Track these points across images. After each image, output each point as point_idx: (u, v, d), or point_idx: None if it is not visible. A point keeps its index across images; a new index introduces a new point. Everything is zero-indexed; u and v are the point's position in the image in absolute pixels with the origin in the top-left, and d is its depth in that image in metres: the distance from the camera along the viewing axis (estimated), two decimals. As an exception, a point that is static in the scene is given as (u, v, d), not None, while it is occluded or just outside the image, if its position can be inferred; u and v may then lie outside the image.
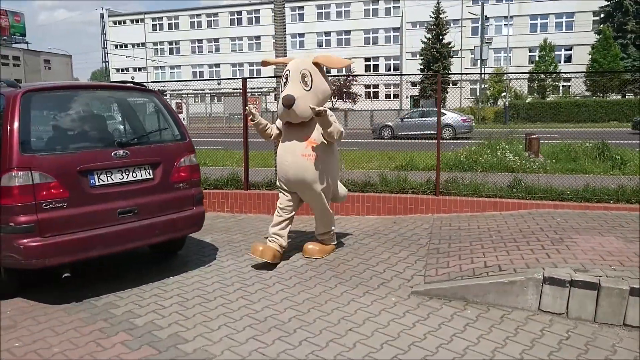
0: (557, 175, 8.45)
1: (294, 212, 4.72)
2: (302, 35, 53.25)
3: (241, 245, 5.26)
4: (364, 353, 2.98)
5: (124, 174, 3.90)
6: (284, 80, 4.39)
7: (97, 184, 3.75)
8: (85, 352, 3.00)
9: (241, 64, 56.17)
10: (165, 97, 4.69)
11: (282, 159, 4.50)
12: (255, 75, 53.96)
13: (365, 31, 52.38)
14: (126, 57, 55.13)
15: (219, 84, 39.60)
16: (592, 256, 3.99)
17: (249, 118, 4.52)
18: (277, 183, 4.67)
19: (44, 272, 3.91)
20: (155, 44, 59.08)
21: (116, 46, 57.04)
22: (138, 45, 58.30)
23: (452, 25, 46.76)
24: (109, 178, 3.82)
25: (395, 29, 51.44)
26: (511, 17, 46.59)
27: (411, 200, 6.36)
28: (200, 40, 57.92)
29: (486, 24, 42.88)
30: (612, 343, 3.18)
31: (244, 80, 6.94)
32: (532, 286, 3.59)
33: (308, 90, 4.30)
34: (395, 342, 3.12)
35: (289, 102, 4.20)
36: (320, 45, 52.99)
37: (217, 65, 57.14)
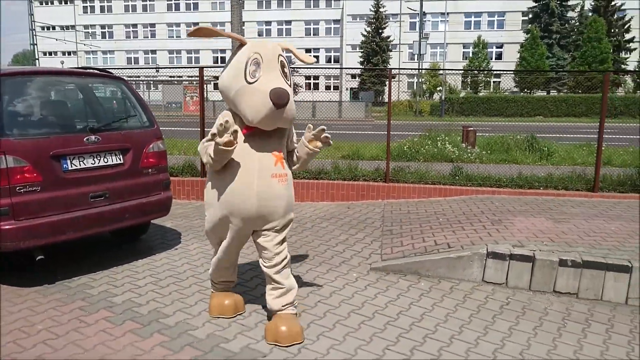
0: (492, 164, 9.13)
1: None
2: (242, 23, 52.72)
3: (203, 230, 5.41)
4: (334, 321, 3.31)
5: (95, 159, 3.99)
6: (252, 68, 2.88)
7: (69, 168, 3.82)
8: (70, 327, 3.12)
9: (179, 51, 54.85)
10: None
11: (241, 183, 2.93)
12: (193, 63, 52.95)
13: (306, 22, 52.64)
14: (56, 39, 52.32)
15: (157, 71, 38.59)
16: (527, 234, 4.51)
17: (224, 137, 2.73)
18: (219, 223, 3.08)
19: (15, 256, 3.93)
20: (86, 27, 56.44)
21: (43, 28, 53.95)
22: (67, 27, 55.45)
23: (391, 19, 47.92)
24: (81, 163, 3.90)
25: (336, 21, 52.06)
26: (447, 14, 48.31)
27: (363, 187, 6.75)
28: (135, 25, 55.95)
29: (424, 20, 44.31)
30: (544, 307, 3.68)
31: (201, 69, 7.02)
32: (477, 260, 4.05)
33: (290, 87, 2.99)
34: (360, 311, 3.47)
35: (283, 99, 2.81)
36: (260, 34, 52.68)
37: (154, 52, 55.48)
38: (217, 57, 52.67)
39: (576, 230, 4.70)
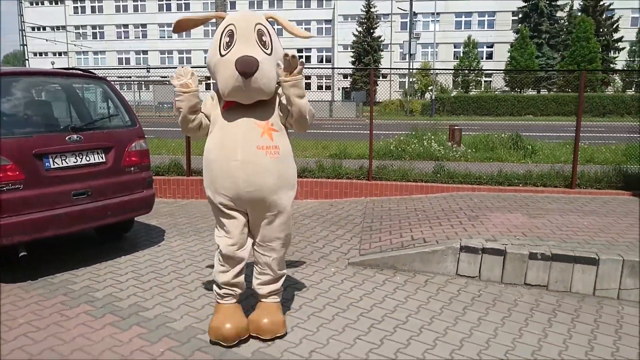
0: (477, 162, 9.28)
1: (250, 242, 3.04)
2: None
3: (187, 228, 5.52)
4: (309, 313, 3.41)
5: (77, 158, 4.07)
6: (226, 40, 2.78)
7: (52, 167, 3.90)
8: (50, 321, 3.21)
9: (170, 52, 54.79)
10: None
11: (223, 158, 2.81)
12: (185, 64, 52.91)
13: (298, 22, 52.64)
14: (46, 40, 52.07)
15: (148, 71, 38.54)
16: (501, 229, 4.64)
17: (176, 80, 2.80)
18: (213, 199, 2.90)
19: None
20: (77, 27, 56.24)
21: (33, 28, 53.68)
22: (58, 28, 55.22)
23: (382, 19, 48.13)
24: (63, 161, 3.98)
25: (327, 21, 52.21)
26: (438, 14, 48.51)
27: (346, 185, 6.86)
28: (126, 25, 55.81)
29: (414, 20, 44.52)
30: (514, 298, 3.81)
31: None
32: (451, 254, 4.17)
33: (269, 55, 2.81)
34: (335, 304, 3.58)
35: (250, 67, 2.67)
36: (252, 34, 52.66)
37: (145, 52, 55.37)
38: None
39: (549, 225, 4.83)
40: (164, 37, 54.86)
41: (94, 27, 56.34)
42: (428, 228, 4.82)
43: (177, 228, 5.51)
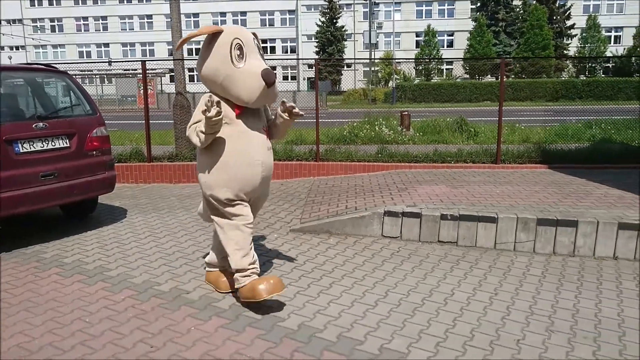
0: (424, 145, 10.05)
1: None
2: (196, 15, 52.46)
3: (148, 207, 6.06)
4: (250, 268, 4.04)
5: (44, 143, 4.57)
6: (237, 53, 3.13)
7: (21, 151, 4.40)
8: (26, 281, 3.74)
9: (132, 44, 54.19)
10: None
11: (250, 160, 3.22)
12: (148, 57, 52.42)
13: (261, 13, 52.85)
14: (3, 34, 50.77)
15: (110, 64, 38.28)
16: (424, 198, 5.35)
17: (212, 110, 2.93)
18: (229, 196, 3.24)
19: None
20: (34, 20, 54.96)
21: (-12, 22, 52.31)
22: (14, 21, 53.88)
23: (344, 9, 48.73)
24: (31, 146, 4.48)
25: (291, 12, 52.48)
26: (399, 3, 49.51)
27: (296, 166, 7.49)
28: (86, 18, 54.84)
29: (376, 9, 45.29)
30: (428, 252, 4.51)
31: (143, 63, 7.58)
32: (376, 219, 4.85)
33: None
34: (274, 260, 4.22)
35: (273, 79, 3.15)
36: (216, 24, 52.50)
37: (106, 45, 54.59)
38: (172, 49, 52.28)
39: (467, 193, 5.57)
40: (126, 30, 54.18)
41: (52, 20, 55.19)
42: (362, 199, 5.50)
43: (139, 208, 6.05)
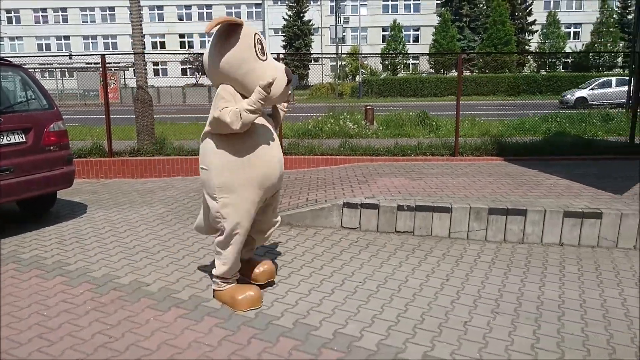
0: (386, 138, 10.23)
1: None
2: (160, 7, 51.52)
3: (109, 202, 6.03)
4: (210, 259, 4.10)
5: (-1, 138, 4.52)
6: (259, 47, 3.09)
7: (-25, 146, 4.33)
8: (-18, 277, 3.72)
9: (94, 37, 52.80)
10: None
11: (269, 156, 3.18)
12: (111, 50, 51.24)
13: (227, 5, 52.23)
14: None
15: (70, 58, 37.25)
16: (383, 190, 5.50)
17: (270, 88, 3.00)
18: (255, 198, 3.16)
19: None
20: (-11, 11, 52.94)
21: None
22: (-33, 13, 51.79)
23: (311, 3, 48.68)
24: (-15, 141, 4.41)
25: (257, 5, 52.08)
26: (366, -3, 49.76)
27: (259, 160, 7.54)
28: (44, 9, 53.04)
29: (343, 4, 45.46)
30: (385, 242, 4.66)
31: (103, 56, 7.49)
32: (336, 210, 4.97)
33: None
34: (234, 252, 4.28)
35: (292, 77, 3.22)
36: (180, 18, 51.78)
37: (67, 38, 53.01)
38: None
39: (424, 185, 5.75)
40: (87, 22, 52.74)
41: (8, 11, 53.15)
42: (322, 192, 5.61)
43: (100, 203, 6.01)
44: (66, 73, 35.21)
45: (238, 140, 3.08)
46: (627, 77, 15.07)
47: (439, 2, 48.59)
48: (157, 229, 4.94)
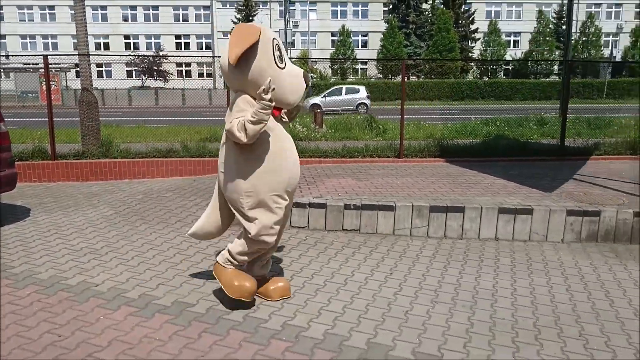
0: (335, 141, 10.45)
1: None
2: (104, 7, 50.01)
3: (53, 206, 5.91)
4: (161, 259, 4.14)
5: None
6: (278, 54, 3.03)
7: None
8: None
9: (33, 36, 50.58)
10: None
11: (291, 158, 3.18)
12: (51, 50, 49.27)
13: (175, 7, 51.37)
14: None
15: (7, 58, 35.65)
16: (330, 190, 5.68)
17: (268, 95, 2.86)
18: (280, 202, 3.16)
19: None
20: None
21: None
22: None
23: (260, 7, 48.63)
24: None
25: (206, 7, 51.46)
26: (314, 2, 50.21)
27: (209, 162, 7.58)
28: (-21, 7, 50.46)
29: (292, 8, 45.68)
30: (332, 240, 4.83)
31: (45, 57, 7.31)
32: (285, 210, 5.10)
33: None
34: (184, 252, 4.34)
35: (309, 80, 3.19)
36: (125, 19, 50.44)
37: (2, 37, 50.55)
38: (77, 43, 49.45)
39: (370, 185, 5.98)
40: (25, 21, 50.47)
41: (-62, 8, 50.24)
42: (272, 192, 5.72)
43: (43, 207, 5.88)
44: (2, 73, 33.68)
45: (264, 147, 3.05)
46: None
47: (386, 8, 49.66)
48: (104, 231, 4.91)
